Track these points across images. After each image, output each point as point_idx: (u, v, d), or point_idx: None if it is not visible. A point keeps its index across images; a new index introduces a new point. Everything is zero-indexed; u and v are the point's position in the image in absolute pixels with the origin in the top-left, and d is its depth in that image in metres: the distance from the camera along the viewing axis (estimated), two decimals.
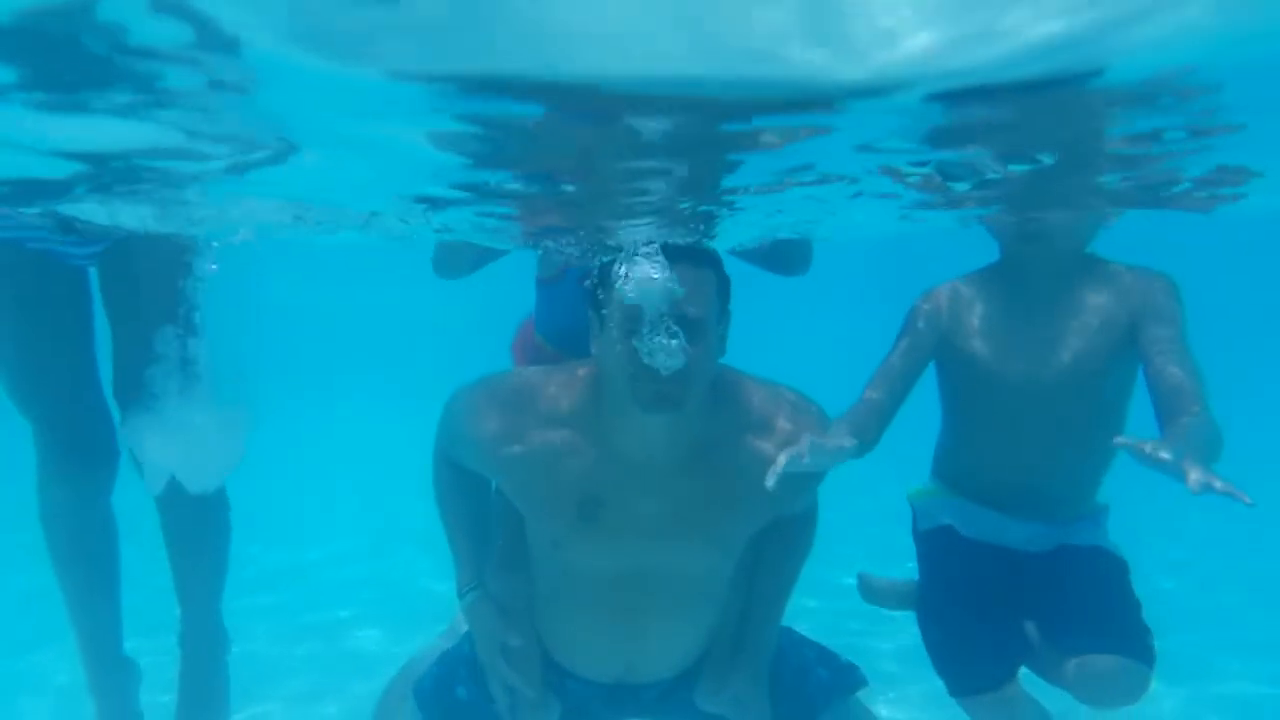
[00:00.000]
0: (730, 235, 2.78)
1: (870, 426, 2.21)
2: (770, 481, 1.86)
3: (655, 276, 1.98)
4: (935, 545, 2.46)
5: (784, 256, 2.95)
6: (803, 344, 15.13)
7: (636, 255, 2.02)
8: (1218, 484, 1.53)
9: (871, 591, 2.79)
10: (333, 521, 6.76)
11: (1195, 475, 1.53)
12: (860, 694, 2.53)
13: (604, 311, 2.08)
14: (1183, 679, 4.02)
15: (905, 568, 2.72)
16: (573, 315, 2.74)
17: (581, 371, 2.24)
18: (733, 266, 2.19)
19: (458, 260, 2.95)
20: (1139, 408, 2.24)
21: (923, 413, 2.47)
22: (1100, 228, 2.30)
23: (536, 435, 2.21)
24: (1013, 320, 2.29)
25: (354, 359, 14.81)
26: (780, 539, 2.34)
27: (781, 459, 1.89)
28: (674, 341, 1.96)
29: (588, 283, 2.76)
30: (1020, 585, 2.35)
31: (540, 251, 3.01)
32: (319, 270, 12.33)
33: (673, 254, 2.02)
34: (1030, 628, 2.34)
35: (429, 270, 3.11)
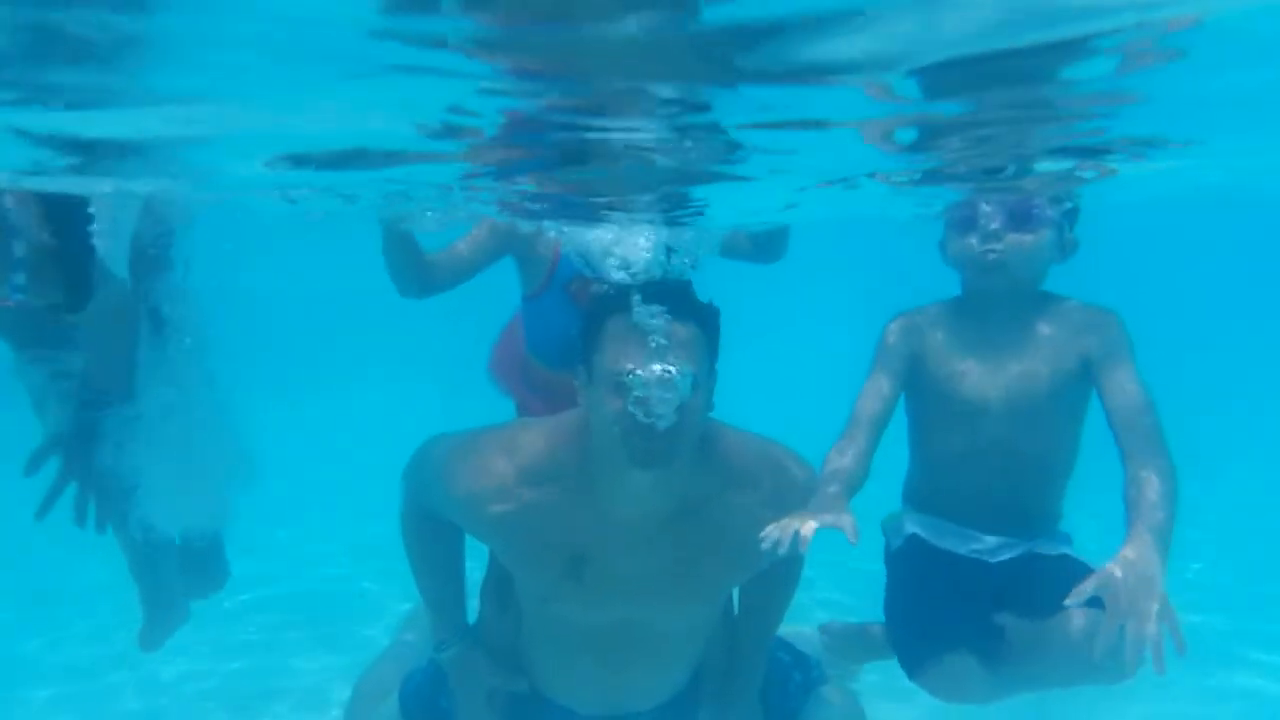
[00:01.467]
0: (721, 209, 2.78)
1: (862, 476, 2.35)
2: (766, 546, 1.97)
3: (651, 334, 2.03)
4: (904, 555, 2.56)
5: (766, 242, 3.09)
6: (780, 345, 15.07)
7: (626, 311, 2.07)
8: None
9: (836, 640, 2.82)
10: (337, 508, 6.77)
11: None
12: (861, 684, 2.56)
13: (593, 365, 2.10)
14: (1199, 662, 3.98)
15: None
16: (562, 326, 2.79)
17: (567, 424, 2.26)
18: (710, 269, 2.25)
19: (401, 256, 2.87)
20: (1092, 428, 2.43)
21: (893, 445, 2.58)
22: (1052, 265, 2.50)
23: (522, 494, 2.23)
24: (972, 348, 2.46)
25: (355, 344, 14.81)
26: (767, 582, 2.40)
27: (785, 539, 1.96)
28: (668, 396, 2.00)
29: (572, 286, 2.71)
30: (989, 590, 2.44)
31: (520, 270, 3.05)
32: (321, 256, 12.32)
33: (654, 303, 2.06)
34: (1000, 623, 2.42)
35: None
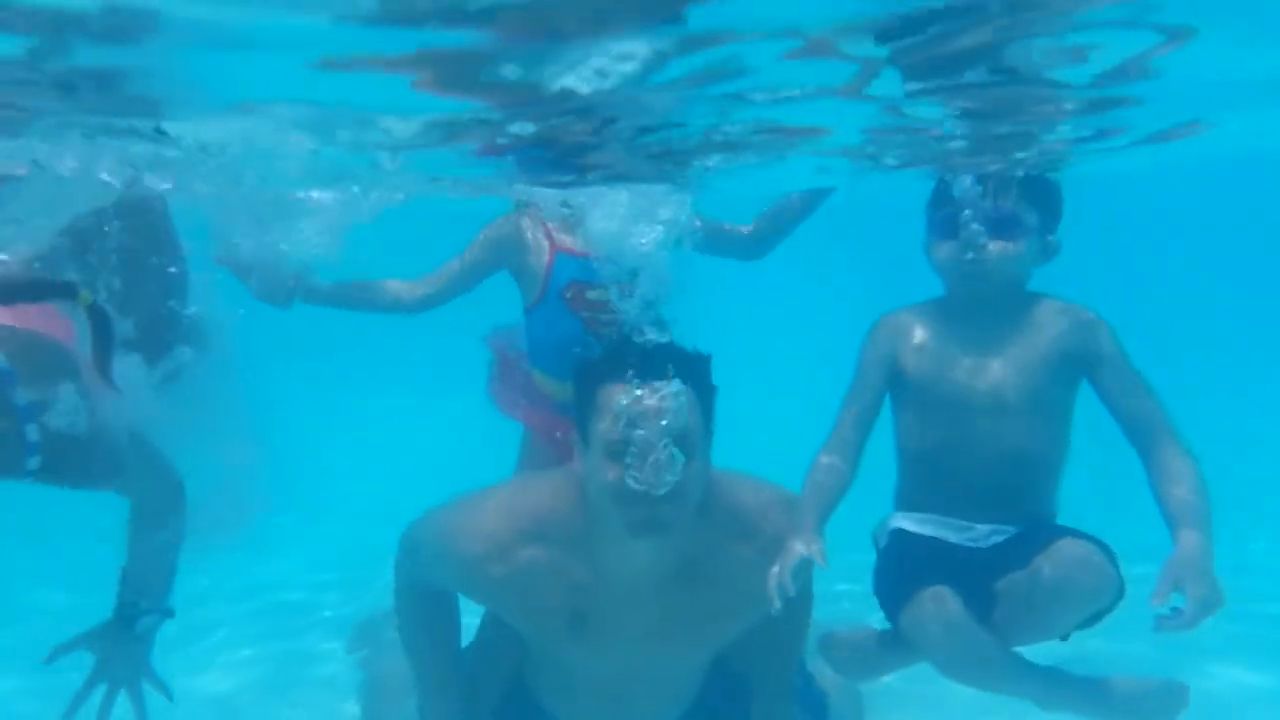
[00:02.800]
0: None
1: (846, 483, 2.43)
2: (776, 606, 2.08)
3: (645, 402, 2.06)
4: (891, 548, 2.57)
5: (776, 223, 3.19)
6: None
7: (617, 378, 2.09)
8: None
9: (839, 653, 2.67)
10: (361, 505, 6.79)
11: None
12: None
13: (588, 433, 2.12)
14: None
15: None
16: (562, 335, 2.95)
17: (565, 484, 2.27)
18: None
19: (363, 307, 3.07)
20: (1083, 419, 2.52)
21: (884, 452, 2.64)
22: (1035, 267, 2.55)
23: (519, 555, 2.26)
24: (957, 347, 2.51)
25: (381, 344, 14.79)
26: (781, 620, 2.39)
27: (774, 596, 2.09)
28: (665, 457, 2.03)
29: (567, 294, 2.86)
30: (980, 569, 2.43)
31: (518, 283, 3.12)
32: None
33: (651, 368, 2.09)
34: (995, 589, 2.41)
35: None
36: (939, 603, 2.27)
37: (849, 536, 2.55)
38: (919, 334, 2.55)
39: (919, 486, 2.60)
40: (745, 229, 3.22)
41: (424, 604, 2.46)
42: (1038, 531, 2.43)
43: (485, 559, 2.26)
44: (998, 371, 2.47)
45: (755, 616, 2.34)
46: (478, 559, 2.27)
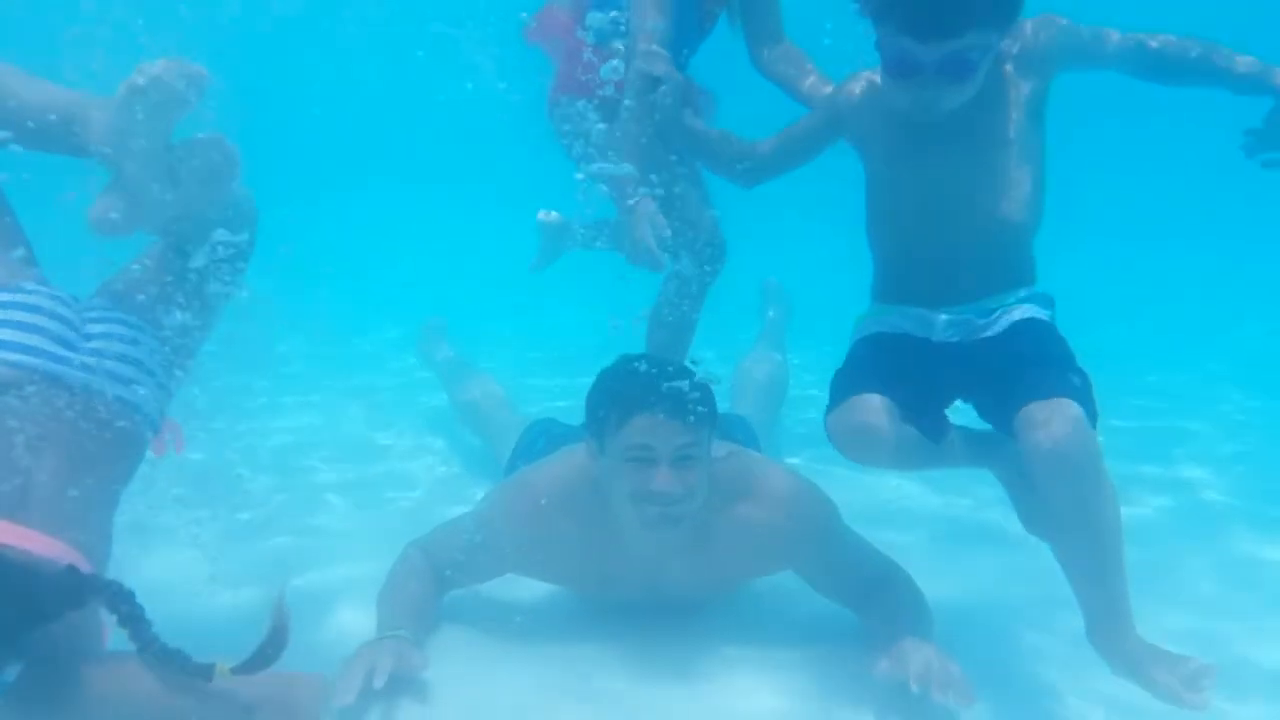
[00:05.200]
0: None
1: (724, 138, 2.69)
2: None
3: (658, 426, 2.29)
4: (860, 344, 2.55)
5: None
6: None
7: (635, 399, 2.31)
8: None
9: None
10: None
11: None
12: None
13: (604, 442, 2.40)
14: None
15: None
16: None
17: (586, 465, 2.54)
18: None
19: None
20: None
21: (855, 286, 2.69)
22: None
23: (550, 528, 2.56)
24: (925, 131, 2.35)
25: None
26: (886, 603, 2.57)
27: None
28: (675, 472, 2.31)
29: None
30: (946, 369, 2.40)
31: None
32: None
33: (664, 397, 2.31)
34: (963, 397, 2.44)
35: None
36: (868, 417, 2.24)
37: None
38: (886, 102, 2.36)
39: (891, 272, 2.54)
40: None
41: (430, 579, 2.65)
42: (1009, 328, 2.37)
43: (514, 530, 2.56)
44: (971, 141, 2.31)
45: (765, 569, 2.73)
46: (515, 543, 2.57)
